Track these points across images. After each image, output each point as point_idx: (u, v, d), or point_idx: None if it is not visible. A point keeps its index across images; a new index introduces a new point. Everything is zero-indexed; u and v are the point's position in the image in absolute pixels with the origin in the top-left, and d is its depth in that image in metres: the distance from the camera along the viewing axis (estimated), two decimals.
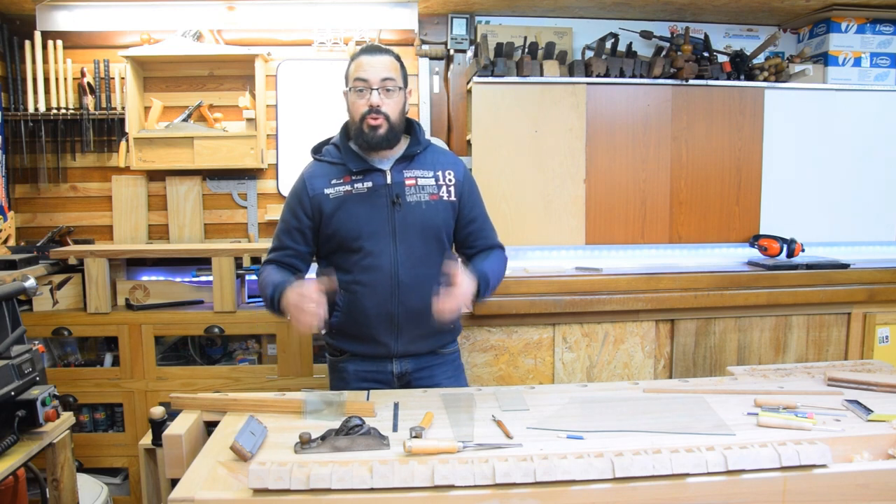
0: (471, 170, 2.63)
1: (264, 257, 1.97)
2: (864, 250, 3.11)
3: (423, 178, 1.89)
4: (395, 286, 1.84)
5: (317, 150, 1.97)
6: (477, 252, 2.00)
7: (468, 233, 1.97)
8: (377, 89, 1.80)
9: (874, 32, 3.05)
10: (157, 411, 1.65)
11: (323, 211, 1.86)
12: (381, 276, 1.84)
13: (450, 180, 1.92)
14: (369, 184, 1.85)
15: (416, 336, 1.90)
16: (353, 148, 1.90)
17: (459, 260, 1.93)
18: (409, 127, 1.94)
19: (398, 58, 1.88)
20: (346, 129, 1.94)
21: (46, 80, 2.97)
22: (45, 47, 2.94)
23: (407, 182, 1.86)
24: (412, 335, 1.90)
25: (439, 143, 2.80)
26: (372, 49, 1.85)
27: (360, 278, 1.85)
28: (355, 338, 1.92)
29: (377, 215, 1.84)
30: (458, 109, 3.16)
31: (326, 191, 1.86)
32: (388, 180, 1.85)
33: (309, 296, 1.65)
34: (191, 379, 2.72)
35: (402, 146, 1.91)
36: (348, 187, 1.85)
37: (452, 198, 1.91)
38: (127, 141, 2.98)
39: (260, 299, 2.91)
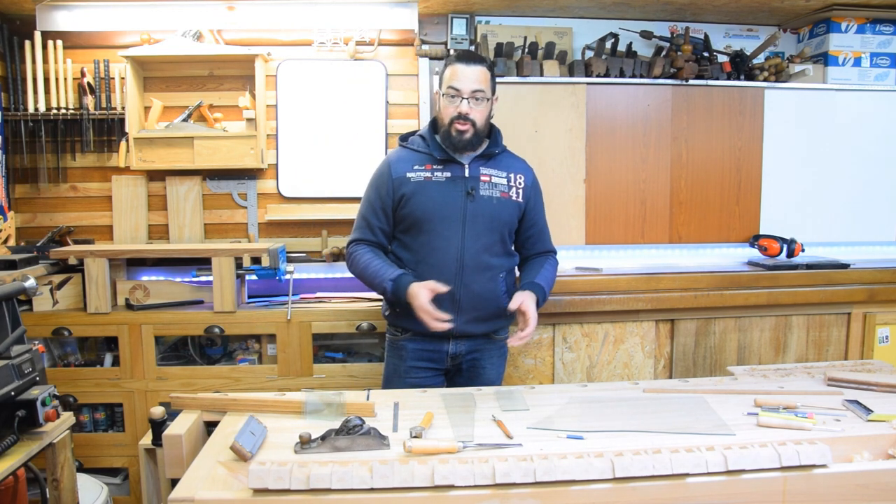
0: None
1: (349, 238, 2.14)
2: (864, 250, 3.11)
3: (497, 176, 2.06)
4: (460, 269, 2.00)
5: (404, 139, 2.16)
6: (534, 255, 2.18)
7: (528, 236, 2.15)
8: (467, 98, 1.95)
9: (874, 32, 3.04)
10: (157, 411, 1.65)
11: (403, 192, 2.02)
12: (447, 258, 1.99)
13: (520, 183, 2.10)
14: (448, 174, 2.03)
15: (475, 318, 2.05)
16: (439, 141, 2.06)
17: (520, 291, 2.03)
18: (490, 130, 2.11)
19: (490, 67, 2.02)
20: (433, 123, 2.11)
21: (46, 80, 2.97)
22: (45, 47, 2.94)
23: (482, 177, 2.04)
24: (471, 316, 2.04)
25: None
26: (467, 58, 1.98)
27: (428, 258, 2.01)
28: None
29: (452, 202, 2.00)
30: None
31: (408, 174, 2.03)
32: (466, 173, 2.03)
33: (439, 314, 1.87)
34: (191, 379, 2.72)
35: (483, 146, 2.08)
36: (428, 174, 2.03)
37: (520, 199, 2.09)
38: (127, 141, 2.98)
39: (260, 299, 2.91)
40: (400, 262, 2.07)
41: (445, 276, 1.98)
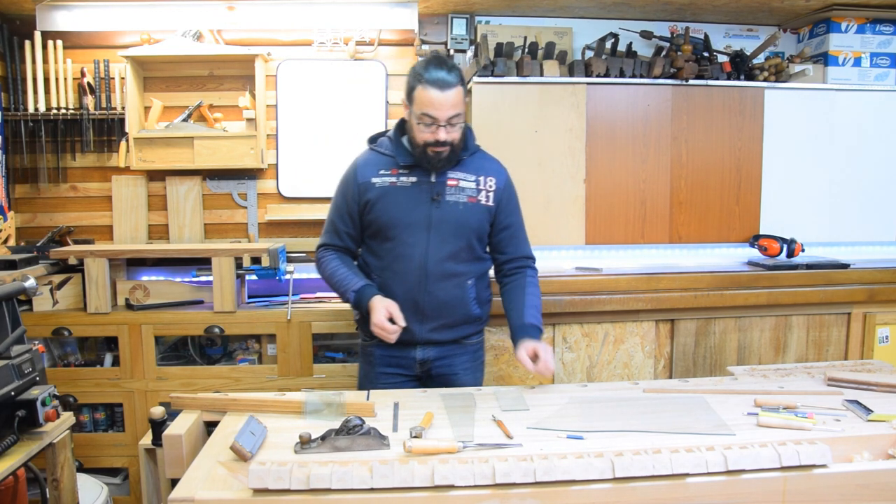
0: None
1: (318, 241, 2.09)
2: (864, 250, 3.11)
3: (465, 180, 1.98)
4: (424, 276, 1.95)
5: (372, 140, 2.08)
6: (507, 263, 2.08)
7: (500, 239, 2.06)
8: (444, 126, 1.86)
9: (874, 32, 3.04)
10: (157, 411, 1.65)
11: (368, 198, 1.97)
12: (411, 265, 1.94)
13: (490, 186, 2.01)
14: (414, 179, 1.96)
15: (440, 326, 2.00)
16: (405, 145, 1.99)
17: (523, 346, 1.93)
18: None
19: (462, 79, 1.90)
20: (401, 125, 2.02)
21: (46, 80, 2.97)
22: (45, 47, 2.94)
23: (449, 182, 1.96)
24: (436, 324, 2.00)
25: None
26: (440, 84, 1.82)
27: (392, 265, 1.97)
28: None
29: (416, 209, 1.94)
30: None
31: (374, 179, 1.97)
32: (432, 178, 1.95)
33: (391, 327, 1.85)
34: (191, 379, 2.72)
35: None
36: (394, 179, 1.96)
37: (490, 203, 2.00)
38: (127, 141, 2.98)
39: (260, 299, 2.91)
40: (368, 267, 2.03)
41: (409, 283, 1.95)
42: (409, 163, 1.95)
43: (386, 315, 1.86)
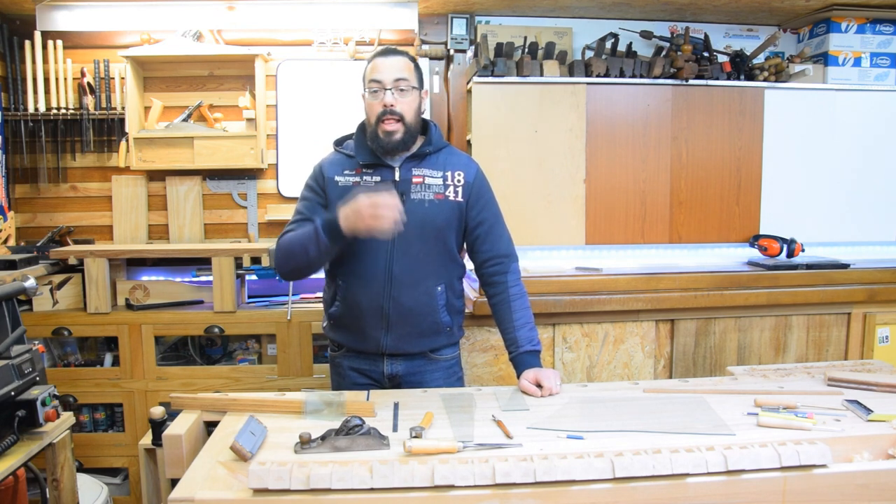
0: None
1: (280, 237, 1.92)
2: (864, 250, 3.11)
3: (431, 177, 1.91)
4: (388, 281, 1.86)
5: (338, 143, 2.02)
6: (488, 264, 1.97)
7: (476, 235, 1.97)
8: (391, 89, 1.83)
9: (874, 32, 3.05)
10: (157, 411, 1.65)
11: (330, 196, 1.89)
12: (375, 269, 1.87)
13: (458, 181, 1.93)
14: (377, 178, 1.89)
15: (407, 334, 1.91)
16: (367, 143, 1.93)
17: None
18: (425, 128, 1.97)
19: (413, 59, 1.92)
20: (363, 125, 1.98)
21: (46, 80, 2.97)
22: (45, 47, 2.94)
23: (414, 180, 1.89)
24: (402, 332, 1.91)
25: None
26: (386, 51, 1.90)
27: (356, 269, 1.88)
28: (349, 330, 1.95)
29: None
30: (458, 109, 3.16)
31: (337, 178, 1.91)
32: (396, 177, 1.89)
33: (388, 200, 1.63)
34: (191, 379, 2.72)
35: (416, 146, 1.94)
36: (357, 178, 1.90)
37: (459, 198, 1.92)
38: (127, 141, 2.98)
39: (260, 299, 2.91)
40: (332, 271, 1.95)
41: (374, 288, 1.86)
42: (369, 161, 1.89)
43: (368, 200, 1.64)
